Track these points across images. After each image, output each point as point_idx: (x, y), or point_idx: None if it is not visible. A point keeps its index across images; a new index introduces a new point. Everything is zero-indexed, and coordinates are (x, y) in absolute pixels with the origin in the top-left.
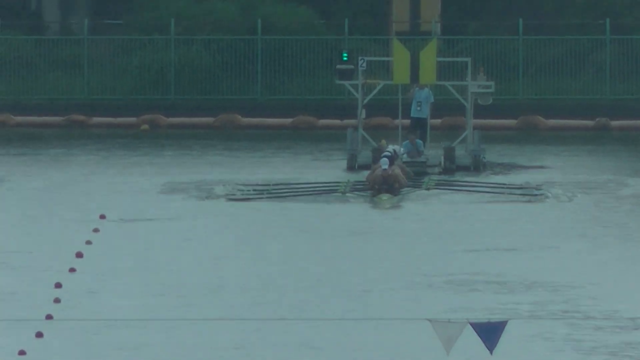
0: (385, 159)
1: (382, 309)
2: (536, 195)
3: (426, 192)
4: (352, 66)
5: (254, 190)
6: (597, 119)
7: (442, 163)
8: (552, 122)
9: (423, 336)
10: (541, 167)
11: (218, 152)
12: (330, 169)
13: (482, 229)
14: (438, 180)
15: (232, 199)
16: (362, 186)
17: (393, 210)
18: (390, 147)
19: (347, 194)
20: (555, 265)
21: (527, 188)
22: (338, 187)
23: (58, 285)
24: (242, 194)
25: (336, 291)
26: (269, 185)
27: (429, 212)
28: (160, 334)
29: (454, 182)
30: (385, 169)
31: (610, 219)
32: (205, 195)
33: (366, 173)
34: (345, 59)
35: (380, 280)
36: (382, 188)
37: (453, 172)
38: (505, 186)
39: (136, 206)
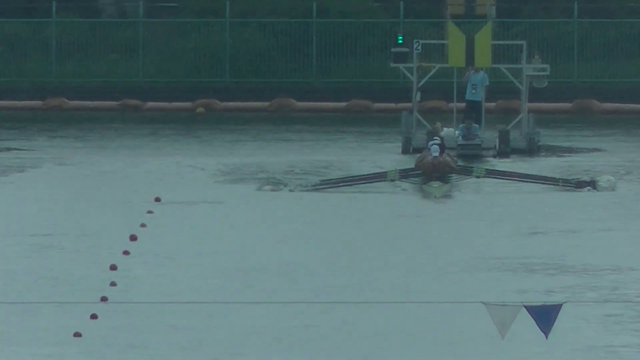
0: (435, 146)
1: (435, 292)
2: (586, 188)
3: (476, 179)
4: (407, 49)
5: (302, 184)
6: None
7: (497, 146)
8: (607, 105)
9: (477, 319)
10: (596, 150)
11: (272, 136)
12: (384, 152)
13: (535, 214)
14: (488, 169)
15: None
16: (411, 173)
17: (445, 197)
18: (445, 130)
19: (395, 182)
20: (612, 249)
21: (578, 181)
22: (386, 175)
23: (113, 268)
24: (291, 187)
25: (389, 274)
26: (331, 179)
27: (481, 198)
28: (215, 317)
29: (504, 171)
30: (436, 156)
31: None
32: (259, 186)
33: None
34: (400, 42)
35: (433, 263)
36: (433, 175)
37: (508, 155)
38: (556, 178)
39: (191, 189)
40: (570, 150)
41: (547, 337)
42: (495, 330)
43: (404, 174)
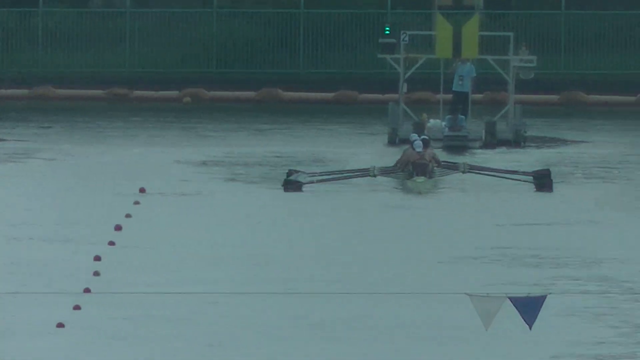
0: (418, 141)
1: (420, 283)
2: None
3: (461, 174)
4: (394, 40)
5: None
6: (638, 95)
7: (484, 137)
8: (594, 97)
9: (461, 310)
10: (581, 141)
11: (260, 127)
12: (371, 143)
13: (520, 206)
14: (472, 164)
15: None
16: (394, 168)
17: (429, 192)
18: (432, 121)
19: (378, 177)
20: (595, 240)
21: (536, 177)
22: (368, 172)
23: (97, 259)
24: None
25: (374, 265)
26: (313, 173)
27: (465, 192)
28: (200, 307)
29: (489, 167)
30: (420, 152)
31: None
32: (244, 178)
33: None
34: (387, 32)
35: (418, 254)
36: (417, 171)
37: (494, 146)
38: (540, 172)
39: (177, 180)
40: (557, 142)
41: (531, 329)
42: (480, 322)
43: (387, 170)
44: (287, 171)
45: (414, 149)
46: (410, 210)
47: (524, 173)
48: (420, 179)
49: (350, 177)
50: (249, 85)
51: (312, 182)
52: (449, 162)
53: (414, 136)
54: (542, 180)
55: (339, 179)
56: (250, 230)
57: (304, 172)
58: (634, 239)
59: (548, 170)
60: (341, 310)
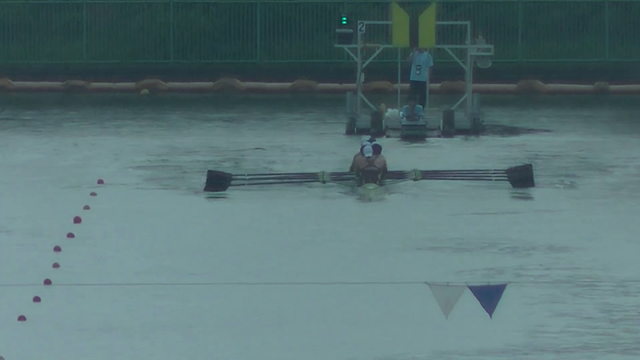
0: (368, 147)
1: (380, 273)
2: (526, 181)
3: (413, 182)
4: (351, 30)
5: (236, 176)
6: (596, 83)
7: (441, 127)
8: (551, 85)
9: (421, 299)
10: (540, 130)
11: (217, 117)
12: (329, 132)
13: (478, 199)
14: (424, 170)
15: (210, 187)
16: (344, 175)
17: (380, 199)
18: (389, 111)
19: (328, 183)
20: (555, 229)
21: (517, 173)
22: (317, 177)
23: (57, 250)
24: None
25: (333, 256)
26: (244, 175)
27: (417, 197)
28: (158, 298)
29: (441, 172)
30: (369, 157)
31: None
32: (186, 186)
33: (365, 137)
34: (344, 22)
35: (376, 244)
36: (367, 177)
37: (452, 135)
38: (494, 172)
39: (134, 172)
40: (515, 131)
41: (491, 317)
42: (439, 310)
43: (337, 176)
44: (207, 171)
45: (363, 155)
46: (358, 213)
47: (496, 171)
48: (371, 185)
49: (297, 181)
50: (207, 75)
51: (242, 184)
52: (398, 172)
53: (365, 142)
54: (521, 175)
55: (285, 182)
56: (203, 223)
57: (228, 174)
58: (594, 228)
59: (529, 165)
60: (303, 301)
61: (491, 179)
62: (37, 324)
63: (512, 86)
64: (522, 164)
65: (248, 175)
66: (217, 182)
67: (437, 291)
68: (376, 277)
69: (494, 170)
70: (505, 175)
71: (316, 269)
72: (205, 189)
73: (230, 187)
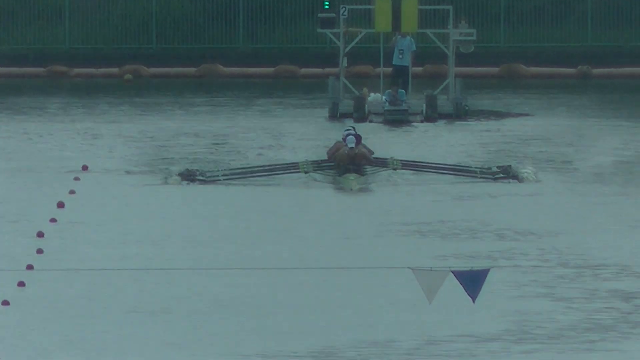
0: (351, 137)
1: (363, 258)
2: (506, 177)
3: (393, 172)
4: (333, 14)
5: (209, 172)
6: (578, 67)
7: (424, 111)
8: (534, 70)
9: (405, 285)
10: (522, 114)
11: (200, 102)
12: (312, 117)
13: (458, 187)
14: (403, 161)
15: (187, 179)
16: (325, 164)
17: (361, 190)
18: (372, 96)
19: (310, 174)
20: (538, 213)
21: (497, 169)
22: (299, 167)
23: (40, 235)
24: (200, 176)
25: (316, 241)
26: (219, 169)
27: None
28: (140, 282)
29: (421, 163)
30: (352, 147)
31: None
32: (165, 176)
33: (349, 121)
34: (327, 7)
35: (359, 230)
36: (349, 167)
37: (435, 120)
38: (473, 168)
39: (118, 158)
40: (497, 115)
41: (474, 302)
42: (423, 295)
43: (318, 166)
44: (183, 171)
45: (346, 145)
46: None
47: (482, 170)
48: (352, 176)
49: (277, 173)
50: (189, 60)
51: (217, 180)
52: (379, 159)
53: (347, 131)
54: (505, 175)
55: (266, 174)
56: (187, 208)
57: (201, 171)
58: (579, 211)
59: (509, 165)
60: (283, 287)
61: (476, 177)
62: (21, 309)
63: (494, 70)
64: (505, 165)
65: (224, 170)
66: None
67: (420, 276)
68: (359, 263)
69: (479, 168)
70: (491, 175)
71: (297, 255)
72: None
73: (207, 183)
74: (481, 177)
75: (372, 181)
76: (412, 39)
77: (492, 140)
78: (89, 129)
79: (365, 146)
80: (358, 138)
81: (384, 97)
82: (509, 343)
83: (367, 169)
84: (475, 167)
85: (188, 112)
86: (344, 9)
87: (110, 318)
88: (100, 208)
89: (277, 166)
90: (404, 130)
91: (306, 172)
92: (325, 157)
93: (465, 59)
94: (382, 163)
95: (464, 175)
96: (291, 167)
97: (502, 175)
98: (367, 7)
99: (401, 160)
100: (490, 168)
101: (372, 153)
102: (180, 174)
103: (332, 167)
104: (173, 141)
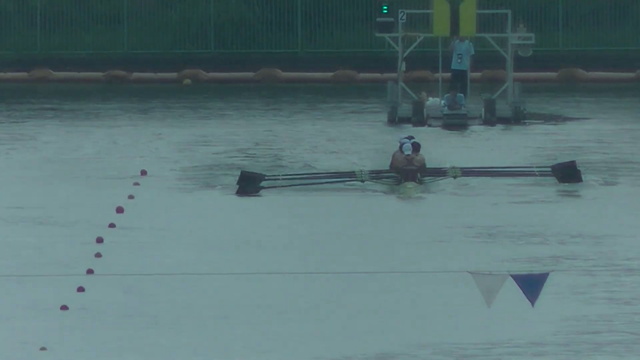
0: (408, 144)
1: (422, 262)
2: (572, 177)
3: (453, 179)
4: (392, 19)
5: (269, 176)
6: (637, 71)
7: (483, 115)
8: (592, 74)
9: (464, 289)
10: (582, 118)
11: (258, 107)
12: (371, 122)
13: (520, 190)
14: (464, 168)
15: (242, 192)
16: (383, 173)
17: (420, 198)
18: (431, 100)
19: (366, 182)
20: (597, 219)
21: (557, 169)
22: (356, 177)
23: (99, 240)
24: (259, 180)
25: (376, 246)
26: (278, 176)
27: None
28: (200, 288)
29: (481, 168)
30: (408, 155)
31: None
32: (223, 183)
33: (407, 127)
34: (385, 11)
35: (419, 234)
36: (406, 176)
37: (494, 124)
38: (534, 168)
39: (177, 162)
40: (556, 119)
41: (533, 306)
42: (482, 299)
43: (376, 175)
44: (240, 173)
45: (402, 152)
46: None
47: (540, 168)
48: (410, 184)
49: (334, 181)
50: (247, 65)
51: (273, 187)
52: (436, 169)
53: (404, 139)
54: (567, 171)
55: (322, 182)
56: (246, 214)
57: (260, 174)
58: (634, 217)
59: (573, 162)
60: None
61: (536, 175)
62: (79, 314)
63: (553, 74)
64: (567, 160)
65: (282, 175)
66: (249, 184)
67: (480, 280)
68: (418, 267)
69: (537, 166)
70: (551, 171)
71: (358, 260)
72: (238, 192)
73: (263, 189)
74: (540, 176)
75: (431, 189)
76: (471, 43)
77: (551, 144)
78: (148, 134)
79: (422, 156)
80: (416, 146)
81: (442, 102)
82: (568, 347)
83: (426, 179)
84: (536, 168)
85: (246, 117)
86: (402, 13)
87: (167, 323)
88: (159, 213)
89: (334, 174)
90: (463, 135)
91: (362, 181)
92: (386, 167)
93: (524, 63)
94: (441, 172)
95: (524, 176)
96: (348, 176)
97: (563, 172)
98: (425, 11)
99: (461, 168)
100: (551, 167)
101: (424, 169)
102: (243, 174)
103: (390, 177)
104: (231, 146)
